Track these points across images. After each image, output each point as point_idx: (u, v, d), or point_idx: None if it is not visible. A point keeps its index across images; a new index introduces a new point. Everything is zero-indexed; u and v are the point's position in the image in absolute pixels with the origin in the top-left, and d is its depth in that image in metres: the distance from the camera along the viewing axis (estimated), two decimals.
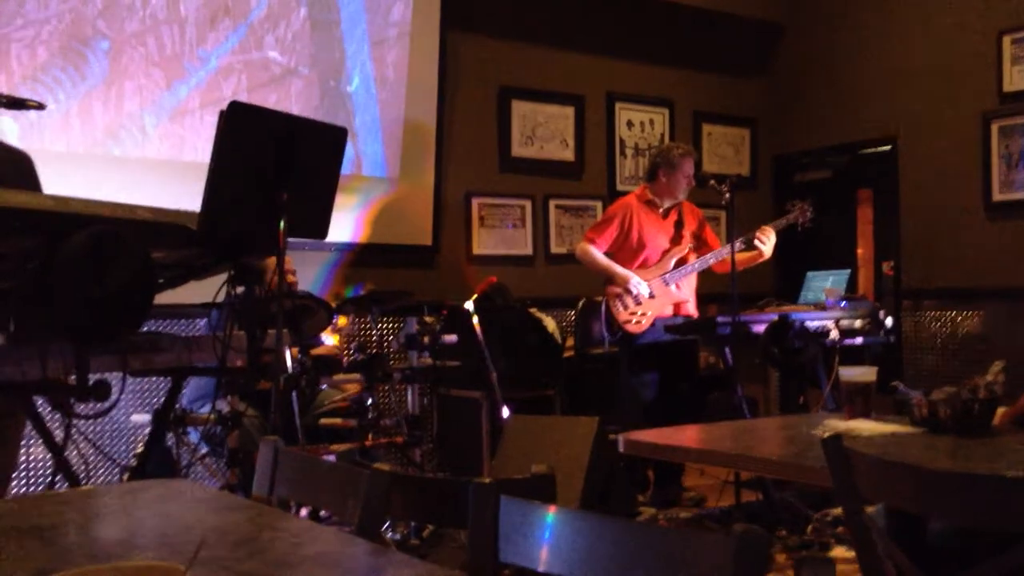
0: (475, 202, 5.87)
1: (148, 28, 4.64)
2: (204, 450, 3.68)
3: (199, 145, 4.69)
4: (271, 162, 2.60)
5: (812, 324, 4.37)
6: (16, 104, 2.64)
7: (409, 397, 4.40)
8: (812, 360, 4.36)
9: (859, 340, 4.51)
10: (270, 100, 4.95)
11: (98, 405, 2.35)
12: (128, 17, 4.59)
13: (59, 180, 3.11)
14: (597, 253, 4.81)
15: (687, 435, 2.36)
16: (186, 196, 2.69)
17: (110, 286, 2.22)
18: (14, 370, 2.18)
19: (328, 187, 2.83)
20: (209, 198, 2.47)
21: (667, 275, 4.76)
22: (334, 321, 4.72)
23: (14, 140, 3.44)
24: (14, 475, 3.43)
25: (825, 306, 4.58)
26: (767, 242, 4.67)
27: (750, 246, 4.71)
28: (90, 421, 3.08)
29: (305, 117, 3.59)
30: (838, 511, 3.71)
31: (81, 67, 4.47)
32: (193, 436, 3.66)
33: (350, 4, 5.26)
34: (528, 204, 6.06)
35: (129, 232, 2.31)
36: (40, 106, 2.68)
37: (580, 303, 5.42)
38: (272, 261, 4.01)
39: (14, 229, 2.15)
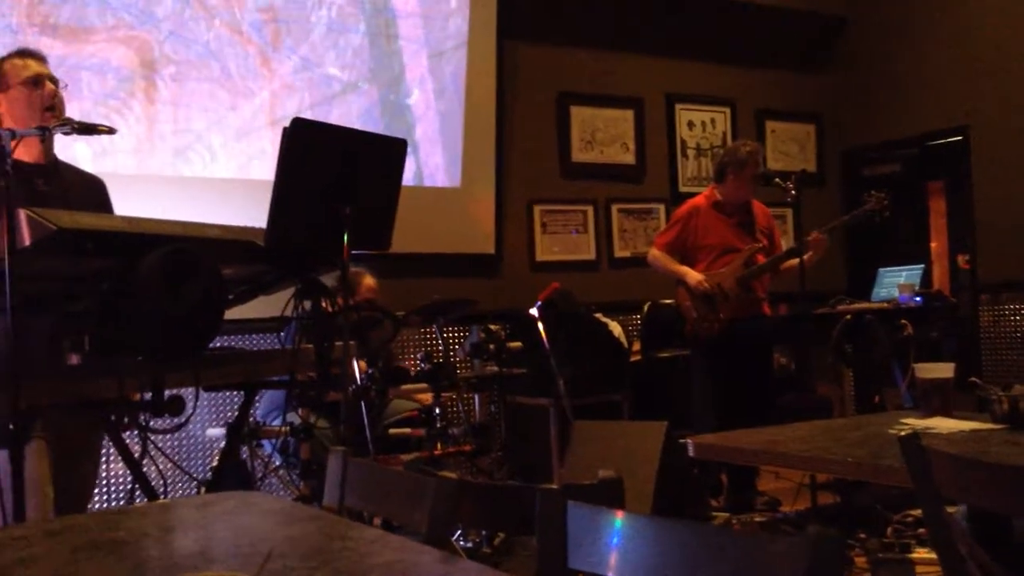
0: (537, 209, 5.87)
1: (213, 51, 4.75)
2: (278, 462, 3.73)
3: (265, 163, 4.78)
4: (333, 176, 2.64)
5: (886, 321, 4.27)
6: (88, 130, 2.72)
7: (476, 405, 4.41)
8: (887, 358, 4.26)
9: (935, 336, 4.39)
10: (332, 116, 5.03)
11: (173, 420, 2.41)
12: (193, 41, 4.70)
13: (131, 202, 3.19)
14: (666, 258, 4.76)
15: (757, 437, 2.31)
16: (254, 213, 2.73)
17: (183, 304, 2.28)
18: (91, 388, 2.24)
19: (390, 199, 2.85)
20: (274, 214, 2.52)
21: (740, 276, 4.68)
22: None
23: (87, 164, 3.55)
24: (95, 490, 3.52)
25: (899, 302, 4.47)
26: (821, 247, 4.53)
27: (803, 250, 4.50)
28: (167, 436, 3.16)
29: (365, 130, 3.63)
30: (919, 512, 3.61)
31: (149, 91, 4.59)
32: (267, 448, 3.72)
33: (407, 18, 5.32)
34: (590, 209, 6.05)
35: (200, 250, 2.36)
36: (111, 131, 2.75)
37: (646, 306, 5.38)
38: (364, 279, 4.09)
39: (88, 251, 2.21)
